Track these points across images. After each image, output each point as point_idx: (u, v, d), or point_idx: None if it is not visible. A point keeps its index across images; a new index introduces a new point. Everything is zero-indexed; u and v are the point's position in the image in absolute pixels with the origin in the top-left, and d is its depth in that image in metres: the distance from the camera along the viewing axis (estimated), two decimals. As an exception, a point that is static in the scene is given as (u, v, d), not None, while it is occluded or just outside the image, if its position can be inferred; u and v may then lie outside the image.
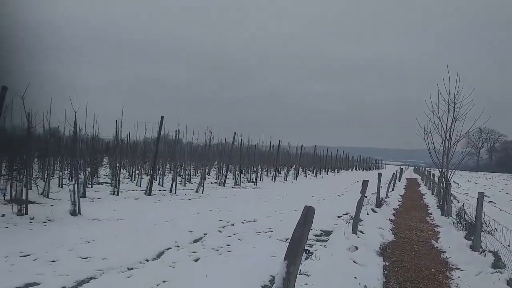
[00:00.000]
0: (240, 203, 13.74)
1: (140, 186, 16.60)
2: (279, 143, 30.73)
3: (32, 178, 12.42)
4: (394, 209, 13.23)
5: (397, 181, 24.35)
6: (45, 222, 8.50)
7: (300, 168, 35.39)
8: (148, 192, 14.42)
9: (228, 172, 23.16)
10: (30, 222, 8.41)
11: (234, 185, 20.94)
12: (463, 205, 10.14)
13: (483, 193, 7.83)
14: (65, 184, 14.44)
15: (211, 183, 20.98)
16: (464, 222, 9.54)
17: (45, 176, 13.68)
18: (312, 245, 7.55)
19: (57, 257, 5.78)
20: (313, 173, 38.45)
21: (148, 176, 16.34)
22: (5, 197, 10.61)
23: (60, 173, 15.30)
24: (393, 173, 20.99)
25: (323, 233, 8.75)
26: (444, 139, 12.54)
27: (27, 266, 5.37)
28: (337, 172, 48.84)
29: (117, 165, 15.45)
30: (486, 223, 9.23)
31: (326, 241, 7.83)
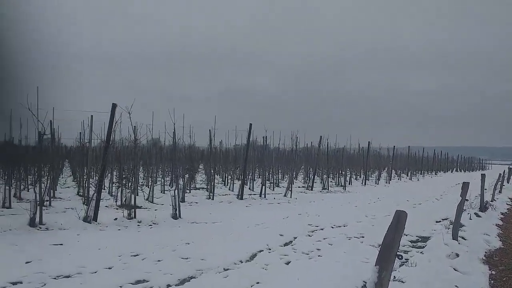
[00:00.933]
0: (329, 207, 13.64)
1: (233, 191, 17.36)
2: (368, 144, 29.75)
3: (139, 185, 13.76)
4: (502, 214, 12.01)
5: (505, 183, 21.98)
6: (150, 225, 9.38)
7: (392, 170, 33.77)
8: (240, 196, 15.03)
9: (316, 176, 23.06)
10: (138, 225, 9.35)
11: (322, 189, 20.78)
12: None
13: None
14: (167, 190, 15.71)
15: (299, 187, 21.09)
16: None
17: (149, 183, 15.05)
18: (408, 251, 7.24)
19: (162, 257, 6.36)
20: (407, 175, 36.39)
21: (240, 181, 17.02)
22: (116, 202, 11.93)
23: (162, 180, 16.69)
24: (500, 174, 18.99)
25: (420, 239, 8.33)
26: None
27: (137, 264, 6.00)
28: (435, 174, 45.55)
29: (212, 171, 16.36)
30: None
31: (423, 247, 7.45)
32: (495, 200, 14.46)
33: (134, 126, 10.73)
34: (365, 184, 26.01)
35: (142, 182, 17.54)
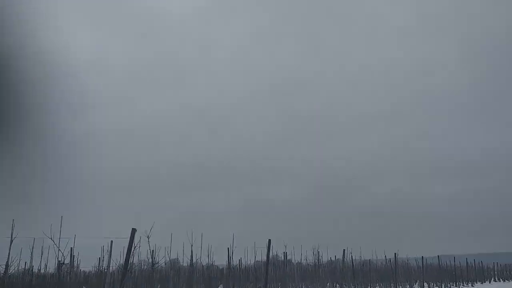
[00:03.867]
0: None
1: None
2: (395, 256, 28.36)
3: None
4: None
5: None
6: None
7: (425, 283, 31.47)
8: (262, 321, 14.04)
9: (343, 294, 21.60)
10: None
11: (351, 308, 19.30)
12: None
13: None
14: (184, 317, 14.86)
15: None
16: None
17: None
18: None
19: None
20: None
21: (261, 304, 16.06)
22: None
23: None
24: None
25: None
26: None
27: None
28: (471, 285, 42.13)
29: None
30: None
31: None
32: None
33: (152, 251, 10.73)
34: (396, 300, 24.11)
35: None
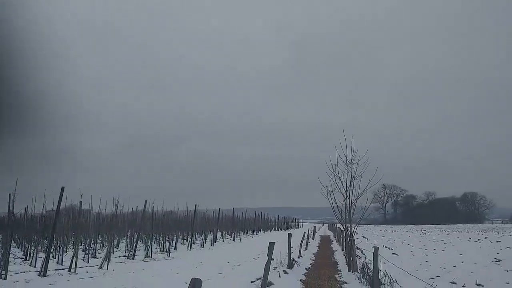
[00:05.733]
0: (149, 277, 12.88)
1: (35, 267, 14.80)
2: (195, 207, 30.10)
3: None
4: (306, 269, 13.40)
5: (310, 239, 24.96)
6: None
7: (219, 232, 34.68)
8: (43, 273, 12.87)
9: (140, 243, 21.81)
10: None
11: (145, 257, 19.66)
12: (365, 259, 10.64)
13: (378, 247, 8.35)
14: None
15: (119, 256, 19.47)
16: (367, 277, 9.97)
17: None
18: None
19: None
20: (231, 236, 37.88)
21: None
22: None
23: None
24: (304, 232, 21.51)
25: (233, 302, 8.48)
26: (345, 197, 13.39)
27: None
28: (256, 234, 48.73)
29: (8, 243, 13.70)
30: (388, 275, 9.76)
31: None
32: (302, 257, 16.12)
33: None
34: (190, 248, 25.80)
35: None
